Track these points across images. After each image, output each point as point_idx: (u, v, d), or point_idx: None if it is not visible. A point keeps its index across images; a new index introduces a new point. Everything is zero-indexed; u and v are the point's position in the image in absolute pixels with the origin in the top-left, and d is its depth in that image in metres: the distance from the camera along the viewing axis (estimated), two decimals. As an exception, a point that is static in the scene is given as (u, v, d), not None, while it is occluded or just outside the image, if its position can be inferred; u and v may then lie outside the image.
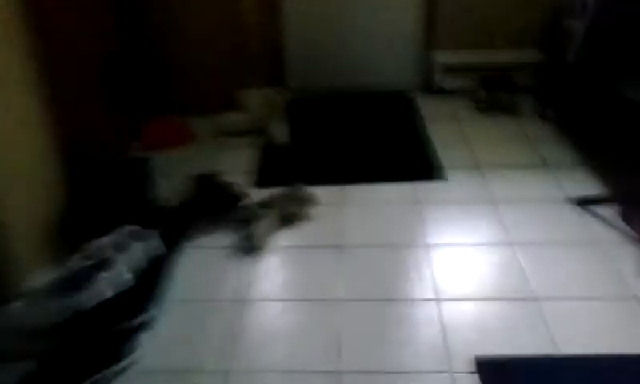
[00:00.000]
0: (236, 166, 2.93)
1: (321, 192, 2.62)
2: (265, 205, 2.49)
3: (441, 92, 3.61)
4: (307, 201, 2.53)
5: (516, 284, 2.11)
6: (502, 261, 2.23)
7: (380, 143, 3.14)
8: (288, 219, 2.48)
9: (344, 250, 2.32)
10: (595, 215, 2.45)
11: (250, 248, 2.33)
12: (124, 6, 3.07)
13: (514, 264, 2.20)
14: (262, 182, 2.80)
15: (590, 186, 2.64)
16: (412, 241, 2.36)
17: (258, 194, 2.61)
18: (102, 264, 2.02)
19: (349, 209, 2.58)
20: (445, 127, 3.25)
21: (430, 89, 3.64)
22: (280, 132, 3.19)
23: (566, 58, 3.08)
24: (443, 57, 3.56)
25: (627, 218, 2.41)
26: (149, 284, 2.11)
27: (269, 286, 2.16)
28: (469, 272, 2.18)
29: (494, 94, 3.43)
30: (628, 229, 2.35)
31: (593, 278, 2.12)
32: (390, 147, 3.10)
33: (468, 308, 2.01)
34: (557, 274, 2.15)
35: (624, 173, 2.67)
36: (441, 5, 3.47)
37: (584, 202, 2.52)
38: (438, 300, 2.05)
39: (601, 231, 2.36)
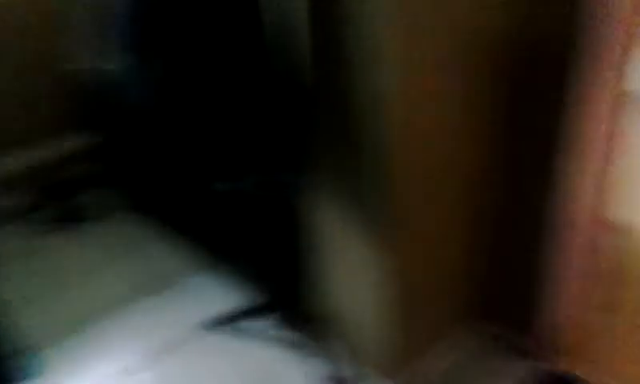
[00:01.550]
0: None
1: None
2: None
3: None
4: None
5: None
6: None
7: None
8: None
9: None
10: (248, 335, 1.90)
11: None
12: None
13: None
14: None
15: (225, 298, 2.05)
16: None
17: None
18: None
19: None
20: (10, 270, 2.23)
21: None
22: None
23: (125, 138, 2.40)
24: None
25: (289, 322, 1.91)
26: None
27: None
28: None
29: (62, 202, 2.61)
30: (295, 338, 1.86)
31: None
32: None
33: None
34: None
35: (263, 268, 2.04)
36: None
37: (224, 322, 1.94)
38: None
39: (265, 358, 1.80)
